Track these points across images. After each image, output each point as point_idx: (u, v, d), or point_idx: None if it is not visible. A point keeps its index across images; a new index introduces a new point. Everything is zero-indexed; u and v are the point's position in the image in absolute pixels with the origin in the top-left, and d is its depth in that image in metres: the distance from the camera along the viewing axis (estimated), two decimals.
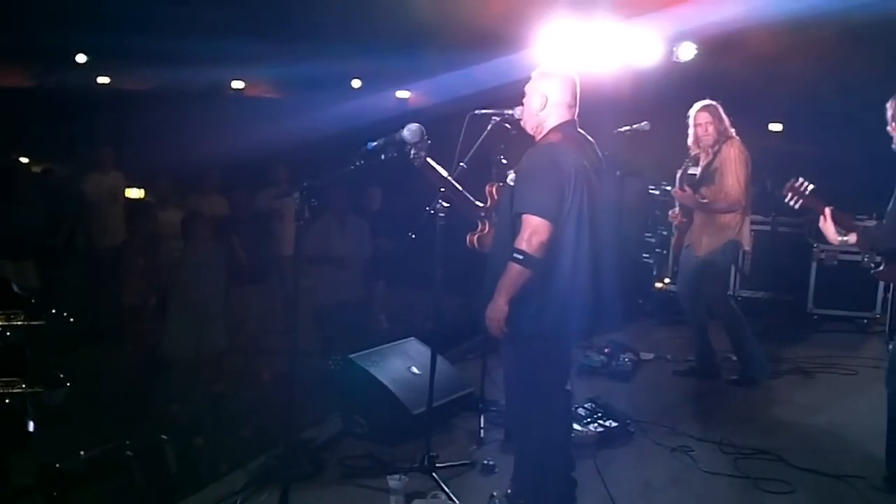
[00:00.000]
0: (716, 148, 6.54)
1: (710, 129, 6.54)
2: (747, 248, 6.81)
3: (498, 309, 3.99)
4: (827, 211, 4.65)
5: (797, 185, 4.74)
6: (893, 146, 4.54)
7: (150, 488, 4.63)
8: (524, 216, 3.96)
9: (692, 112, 6.67)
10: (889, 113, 4.55)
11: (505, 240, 4.08)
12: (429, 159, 4.56)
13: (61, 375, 5.46)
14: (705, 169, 6.58)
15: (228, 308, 7.32)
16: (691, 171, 6.79)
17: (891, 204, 4.58)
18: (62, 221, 9.49)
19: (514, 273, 3.95)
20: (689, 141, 6.71)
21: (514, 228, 4.01)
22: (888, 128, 4.57)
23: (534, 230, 3.92)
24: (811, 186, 4.71)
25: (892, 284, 7.89)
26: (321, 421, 5.56)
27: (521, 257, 3.92)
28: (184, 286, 7.05)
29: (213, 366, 7.20)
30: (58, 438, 5.38)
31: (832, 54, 10.09)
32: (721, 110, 6.61)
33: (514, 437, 4.74)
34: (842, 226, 4.64)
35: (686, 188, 6.60)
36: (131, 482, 4.60)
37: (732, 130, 6.60)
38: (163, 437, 4.82)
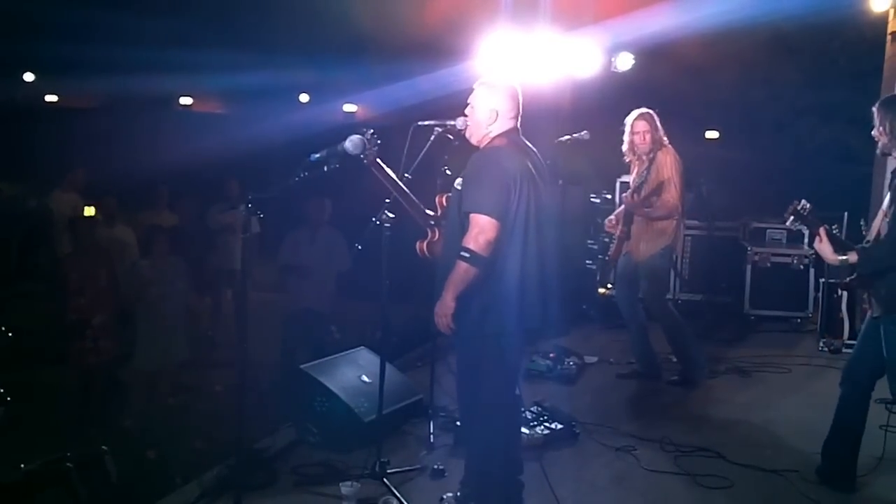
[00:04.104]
0: (651, 155, 6.65)
1: (648, 137, 6.64)
2: (678, 254, 6.89)
3: (445, 306, 4.08)
4: (822, 231, 4.59)
5: (799, 207, 4.67)
6: (877, 151, 4.63)
7: (93, 500, 4.63)
8: (472, 215, 4.06)
9: (629, 120, 6.74)
10: (877, 118, 4.54)
11: (455, 242, 4.16)
12: (378, 160, 4.60)
13: (2, 391, 5.43)
14: (646, 179, 6.64)
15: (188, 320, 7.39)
16: (624, 178, 6.86)
17: (889, 222, 4.50)
18: (12, 240, 9.39)
19: (462, 271, 4.04)
20: (624, 148, 6.82)
21: (464, 230, 4.10)
22: (874, 132, 4.57)
23: (481, 229, 4.02)
24: (809, 206, 4.66)
25: (834, 287, 8.12)
26: (275, 431, 5.59)
27: (467, 255, 4.02)
28: (149, 301, 7.08)
29: (171, 378, 7.22)
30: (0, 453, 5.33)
31: (764, 64, 10.40)
32: (657, 118, 6.71)
33: (463, 440, 4.85)
34: (837, 245, 4.57)
35: (636, 196, 6.66)
36: (73, 494, 4.59)
37: (665, 139, 6.72)
38: (103, 447, 4.80)
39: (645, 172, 6.67)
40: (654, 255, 6.70)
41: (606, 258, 9.38)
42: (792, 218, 4.73)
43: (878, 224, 4.64)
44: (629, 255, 6.86)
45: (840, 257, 4.55)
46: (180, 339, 7.23)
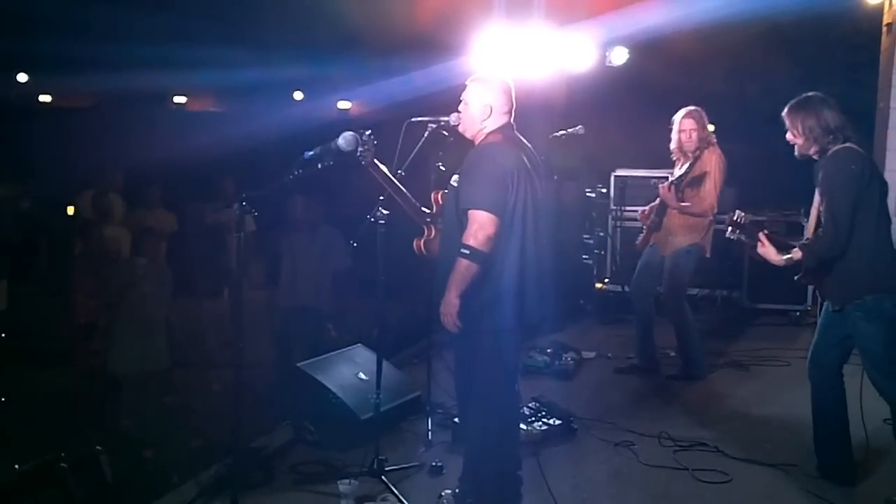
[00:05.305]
0: (697, 153, 6.60)
1: (694, 135, 6.60)
2: (708, 254, 6.87)
3: (450, 304, 4.08)
4: (761, 236, 4.68)
5: (735, 217, 4.75)
6: (796, 153, 4.67)
7: (89, 500, 4.61)
8: (470, 212, 4.06)
9: (676, 118, 6.70)
10: (787, 122, 4.64)
11: (453, 240, 4.15)
12: (375, 160, 4.58)
13: None
14: (687, 173, 6.60)
15: (181, 321, 7.32)
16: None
17: (822, 216, 4.56)
18: (10, 241, 9.34)
19: (463, 268, 4.04)
20: (672, 146, 6.77)
21: (462, 226, 4.09)
22: (787, 135, 4.66)
23: (480, 225, 4.02)
24: (744, 215, 4.75)
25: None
26: (272, 429, 5.58)
27: (468, 252, 4.02)
28: (131, 302, 7.03)
29: (161, 380, 7.17)
30: None
31: (760, 57, 10.39)
32: (705, 117, 6.68)
33: (461, 437, 4.83)
34: (779, 246, 4.66)
35: (672, 188, 6.62)
36: (68, 495, 4.57)
37: (713, 137, 6.70)
38: (97, 447, 4.77)
39: (687, 167, 6.61)
40: (681, 250, 6.70)
41: (603, 253, 9.42)
42: (731, 229, 4.79)
43: (814, 220, 4.70)
44: (656, 247, 6.85)
45: (784, 257, 4.64)
46: (160, 345, 7.16)
